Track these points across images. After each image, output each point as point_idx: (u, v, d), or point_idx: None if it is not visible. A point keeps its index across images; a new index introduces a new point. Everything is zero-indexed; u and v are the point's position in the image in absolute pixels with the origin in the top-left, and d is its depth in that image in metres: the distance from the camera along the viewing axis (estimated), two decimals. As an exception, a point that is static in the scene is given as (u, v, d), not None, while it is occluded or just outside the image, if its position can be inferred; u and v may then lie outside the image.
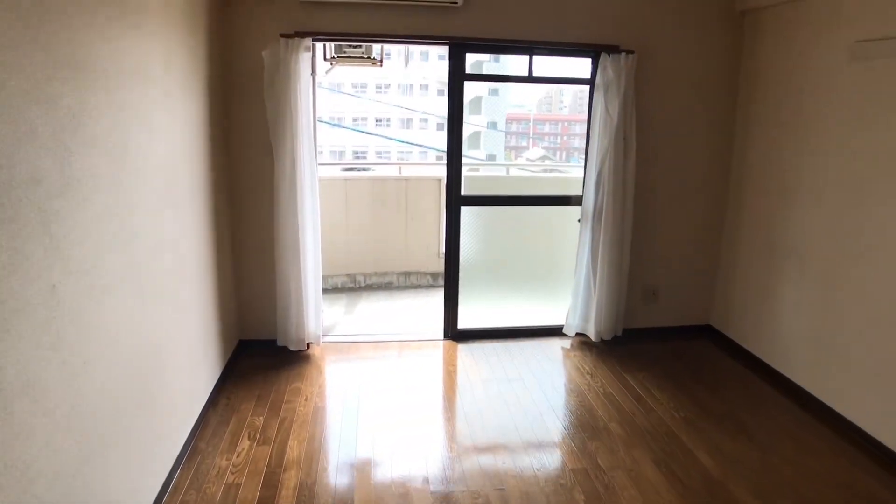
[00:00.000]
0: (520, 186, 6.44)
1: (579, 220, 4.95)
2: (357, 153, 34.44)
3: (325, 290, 6.16)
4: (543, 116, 40.30)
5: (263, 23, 4.28)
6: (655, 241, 5.12)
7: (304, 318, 4.54)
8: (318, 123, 4.83)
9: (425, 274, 6.92)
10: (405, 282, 6.90)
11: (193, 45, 3.54)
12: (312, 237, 4.50)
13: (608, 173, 4.67)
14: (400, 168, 6.83)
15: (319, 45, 4.68)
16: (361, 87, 33.88)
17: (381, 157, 34.81)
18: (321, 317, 4.74)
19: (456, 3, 4.25)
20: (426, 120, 35.22)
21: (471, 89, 32.55)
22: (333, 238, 6.38)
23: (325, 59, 5.08)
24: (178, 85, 3.27)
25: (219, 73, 4.19)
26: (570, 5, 4.61)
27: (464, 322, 5.09)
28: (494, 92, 35.53)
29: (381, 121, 35.19)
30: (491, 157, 36.90)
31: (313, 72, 4.78)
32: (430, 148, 33.07)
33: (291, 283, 4.46)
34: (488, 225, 5.07)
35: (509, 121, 38.49)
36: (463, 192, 4.80)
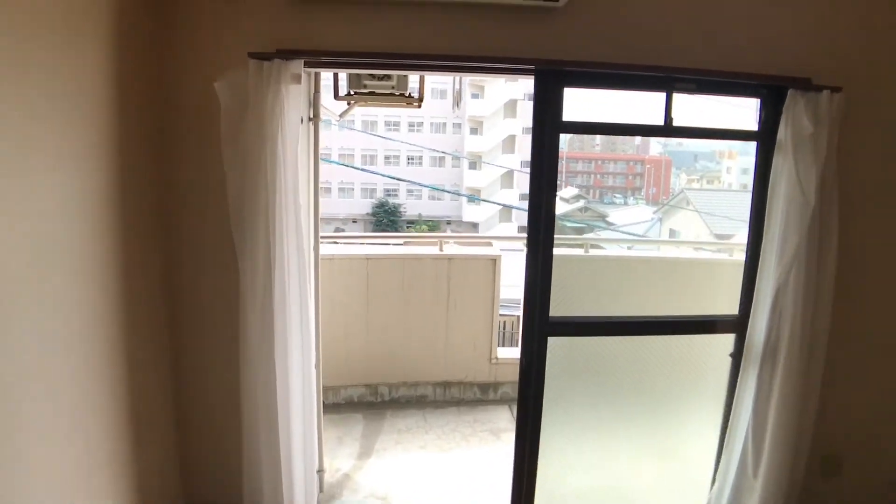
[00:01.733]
0: (619, 284, 4.55)
1: (732, 355, 3.20)
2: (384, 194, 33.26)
3: (336, 406, 4.99)
4: (575, 154, 39.61)
5: (221, 33, 2.65)
6: (852, 390, 3.36)
7: (287, 478, 2.82)
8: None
9: (471, 385, 5.30)
10: (444, 395, 5.28)
11: (93, 74, 2.28)
12: (302, 354, 2.82)
13: (796, 287, 2.89)
14: (441, 244, 5.07)
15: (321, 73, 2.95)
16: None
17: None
18: (317, 472, 3.13)
19: (555, 1, 2.47)
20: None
21: (506, 127, 31.82)
22: (349, 336, 4.96)
23: (335, 95, 3.36)
24: (57, 135, 2.10)
25: (151, 114, 2.65)
26: (733, 12, 2.88)
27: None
28: (529, 130, 34.27)
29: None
30: (524, 197, 35.43)
31: (315, 115, 3.05)
32: (441, 189, 31.76)
33: (262, 428, 2.73)
34: (580, 359, 3.32)
35: (544, 158, 37.33)
36: (552, 313, 2.96)
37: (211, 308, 2.87)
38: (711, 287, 3.57)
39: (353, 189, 34.06)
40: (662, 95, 2.94)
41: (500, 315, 5.24)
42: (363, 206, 34.10)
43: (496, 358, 5.17)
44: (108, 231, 2.35)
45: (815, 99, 2.77)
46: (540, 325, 2.98)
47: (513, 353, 5.40)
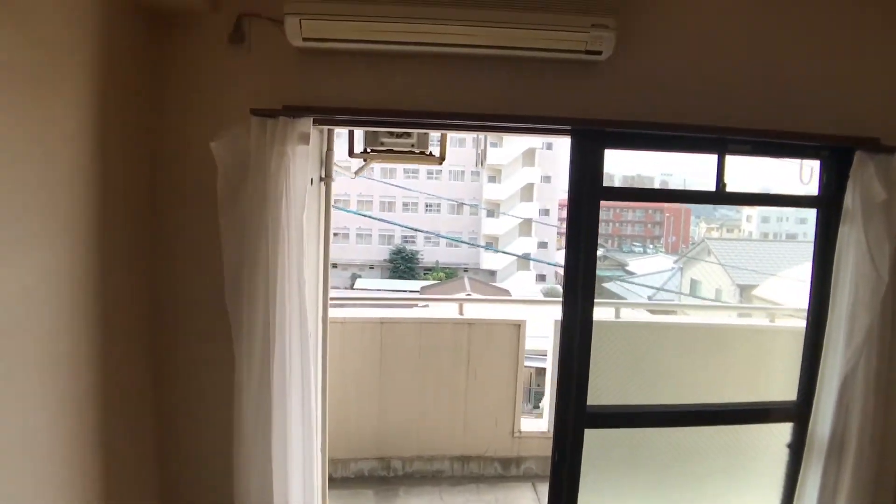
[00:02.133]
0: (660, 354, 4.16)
1: (790, 446, 2.84)
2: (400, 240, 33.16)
3: (345, 481, 4.63)
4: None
5: (221, 88, 2.37)
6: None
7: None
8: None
9: (492, 460, 4.89)
10: (463, 470, 4.86)
11: (70, 136, 1.97)
12: (303, 439, 2.48)
13: (867, 373, 2.54)
14: (461, 307, 4.74)
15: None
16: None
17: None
18: None
19: (598, 54, 2.19)
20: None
21: (525, 175, 31.83)
22: (361, 405, 4.63)
23: (350, 152, 3.10)
24: (24, 208, 1.78)
25: (140, 179, 2.38)
26: (790, 67, 2.59)
27: None
28: (547, 179, 34.39)
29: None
30: (542, 245, 35.40)
31: (327, 175, 2.78)
32: (461, 241, 31.54)
33: None
34: (618, 450, 2.97)
35: (562, 206, 37.13)
36: (589, 401, 2.61)
37: (202, 392, 2.55)
38: (761, 359, 3.20)
39: (370, 235, 34.01)
40: (713, 158, 2.65)
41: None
42: (381, 252, 33.99)
43: (519, 431, 4.78)
44: (86, 316, 2.06)
45: (887, 162, 2.46)
46: (576, 416, 2.63)
47: (538, 424, 5.04)
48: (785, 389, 2.89)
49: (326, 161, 2.83)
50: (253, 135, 2.19)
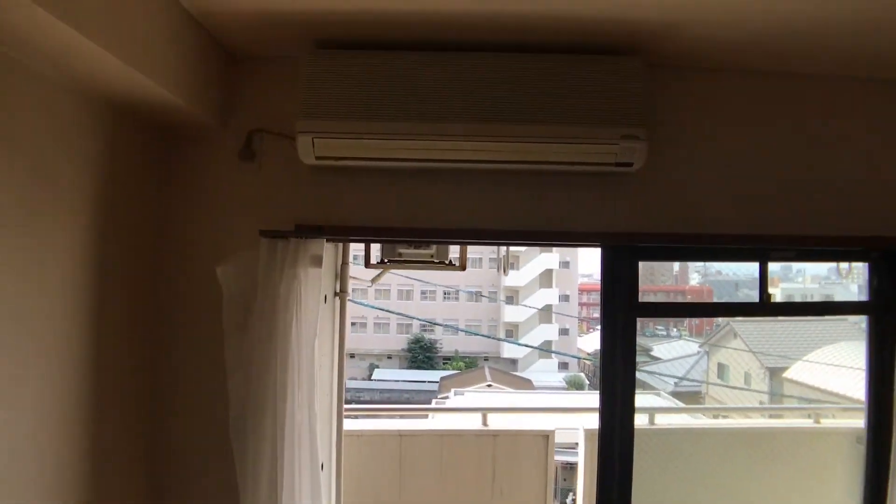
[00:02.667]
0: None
1: None
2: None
3: None
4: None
5: (231, 205, 2.26)
6: None
7: None
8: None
9: None
10: None
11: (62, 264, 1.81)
12: None
13: None
14: (485, 417, 4.44)
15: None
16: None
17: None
18: None
19: (629, 166, 2.05)
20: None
21: (543, 261, 31.60)
22: None
23: (366, 264, 2.95)
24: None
25: (141, 310, 2.20)
26: (834, 169, 2.43)
27: None
28: (566, 264, 34.26)
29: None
30: (564, 331, 34.82)
31: (342, 290, 2.64)
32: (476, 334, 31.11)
33: None
34: None
35: (582, 291, 36.69)
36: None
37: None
38: (812, 465, 2.89)
39: (388, 324, 33.66)
40: (753, 267, 2.47)
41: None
42: (399, 342, 33.52)
43: (551, 554, 4.38)
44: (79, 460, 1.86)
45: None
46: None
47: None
48: (850, 492, 2.61)
49: (342, 275, 2.67)
50: (262, 257, 2.05)
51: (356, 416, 4.78)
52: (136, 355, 2.16)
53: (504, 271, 3.48)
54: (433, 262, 2.90)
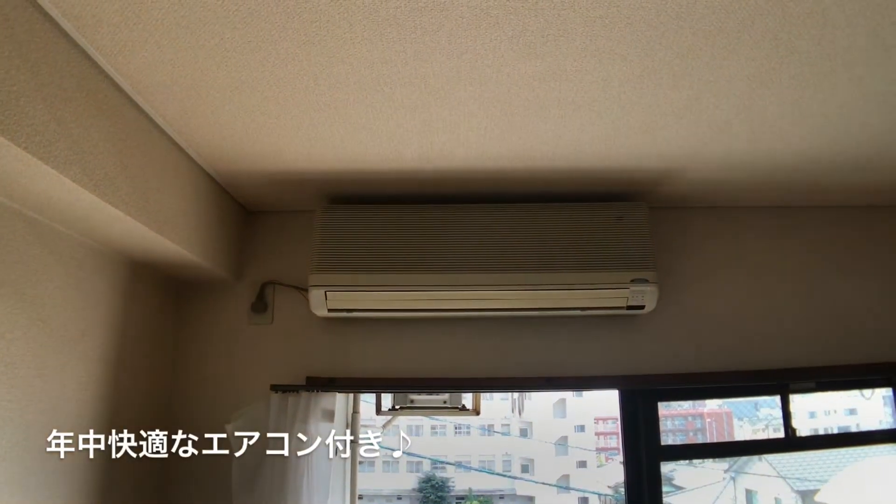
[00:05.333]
0: None
1: None
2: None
3: None
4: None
5: (243, 357, 2.25)
6: None
7: None
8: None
9: None
10: None
11: None
12: None
13: None
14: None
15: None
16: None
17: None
18: None
19: (640, 308, 2.05)
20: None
21: (556, 392, 30.94)
22: None
23: (378, 411, 2.88)
24: None
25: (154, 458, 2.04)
26: (851, 299, 2.42)
27: None
28: (580, 394, 33.45)
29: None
30: (581, 464, 33.39)
31: (354, 440, 2.57)
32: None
33: None
34: None
35: (597, 421, 35.54)
36: None
37: None
38: None
39: (398, 462, 32.37)
40: (775, 400, 2.39)
41: None
42: (409, 481, 32.04)
43: None
44: None
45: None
46: None
47: None
48: None
49: (353, 424, 2.60)
50: (273, 412, 2.00)
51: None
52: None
53: (519, 412, 3.37)
54: (446, 408, 2.83)
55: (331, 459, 2.07)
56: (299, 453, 1.95)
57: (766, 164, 2.11)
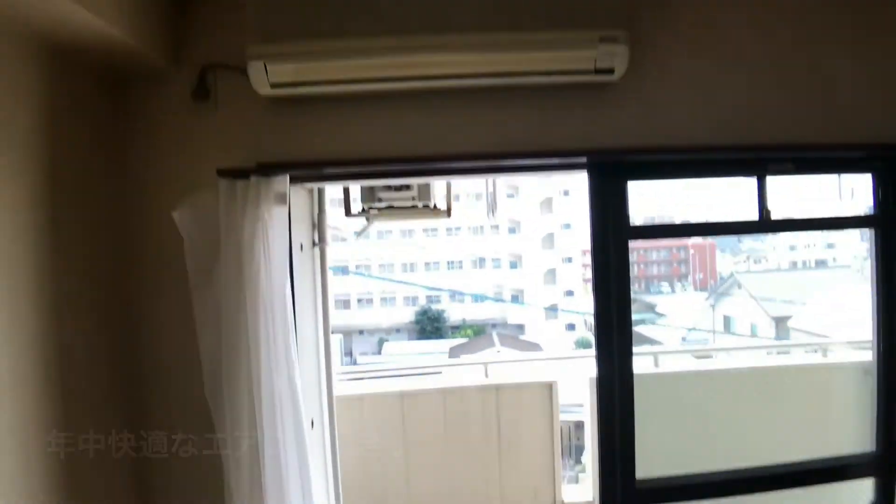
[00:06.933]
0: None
1: None
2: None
3: None
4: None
5: (188, 148, 2.11)
6: None
7: None
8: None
9: None
10: None
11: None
12: None
13: None
14: (486, 369, 4.33)
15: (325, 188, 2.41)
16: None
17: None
18: None
19: (610, 73, 1.89)
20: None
21: (544, 225, 31.71)
22: (386, 483, 4.21)
23: (346, 212, 2.82)
24: None
25: (103, 249, 2.06)
26: (833, 72, 2.26)
27: None
28: (568, 226, 34.15)
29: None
30: (569, 293, 34.81)
31: (321, 239, 2.52)
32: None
33: None
34: None
35: (585, 253, 36.58)
36: (639, 473, 2.23)
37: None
38: (822, 402, 2.78)
39: (394, 298, 33.70)
40: (751, 182, 2.32)
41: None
42: (406, 315, 33.57)
43: (563, 501, 4.31)
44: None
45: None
46: (624, 495, 2.21)
47: (583, 493, 4.53)
48: (858, 437, 2.53)
49: (319, 224, 2.54)
50: (222, 199, 1.90)
51: (360, 378, 4.70)
52: (96, 308, 2.02)
53: (493, 212, 3.33)
54: (417, 208, 2.77)
55: (295, 251, 2.02)
56: (254, 239, 1.87)
57: None
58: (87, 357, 1.96)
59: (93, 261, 2.00)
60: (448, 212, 2.88)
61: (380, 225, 3.21)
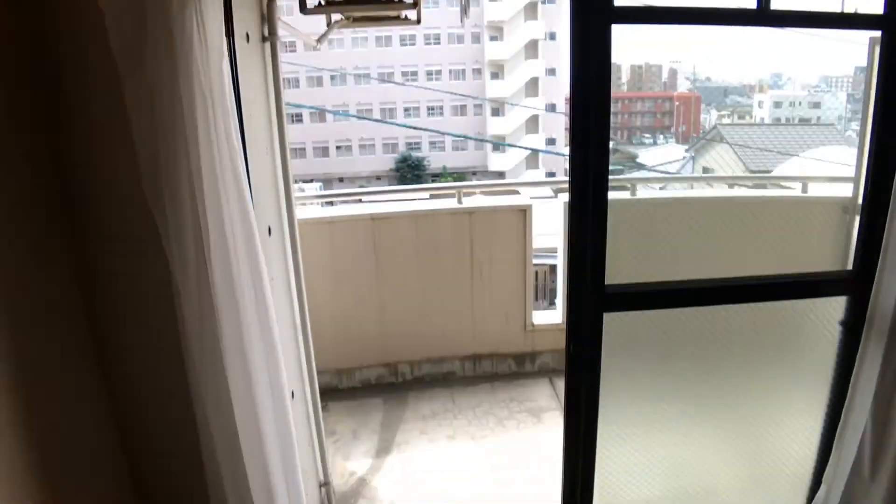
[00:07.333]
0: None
1: (843, 324, 2.39)
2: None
3: (352, 391, 4.39)
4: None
5: None
6: None
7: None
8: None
9: (505, 357, 4.56)
10: (475, 370, 4.54)
11: None
12: (266, 355, 2.05)
13: None
14: (460, 195, 4.21)
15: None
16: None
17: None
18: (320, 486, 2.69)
19: None
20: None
21: (528, 70, 30.89)
22: (360, 311, 4.28)
23: (302, 8, 2.57)
24: None
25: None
26: None
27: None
28: (552, 72, 33.18)
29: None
30: (551, 142, 34.56)
31: (271, 32, 2.30)
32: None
33: (222, 456, 1.99)
34: (643, 336, 2.50)
35: (568, 101, 35.82)
36: (608, 280, 2.17)
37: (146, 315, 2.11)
38: (800, 230, 2.72)
39: (374, 145, 33.19)
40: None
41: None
42: (386, 162, 33.23)
43: (532, 325, 4.41)
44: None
45: None
46: (593, 298, 2.17)
47: (551, 316, 4.65)
48: (832, 259, 2.50)
49: (269, 14, 2.27)
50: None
51: (329, 203, 4.59)
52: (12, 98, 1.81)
53: (465, 13, 3.06)
54: (381, 1, 2.52)
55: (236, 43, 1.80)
56: (183, 15, 1.64)
57: None
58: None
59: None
60: (415, 5, 2.61)
61: (349, 32, 2.95)
